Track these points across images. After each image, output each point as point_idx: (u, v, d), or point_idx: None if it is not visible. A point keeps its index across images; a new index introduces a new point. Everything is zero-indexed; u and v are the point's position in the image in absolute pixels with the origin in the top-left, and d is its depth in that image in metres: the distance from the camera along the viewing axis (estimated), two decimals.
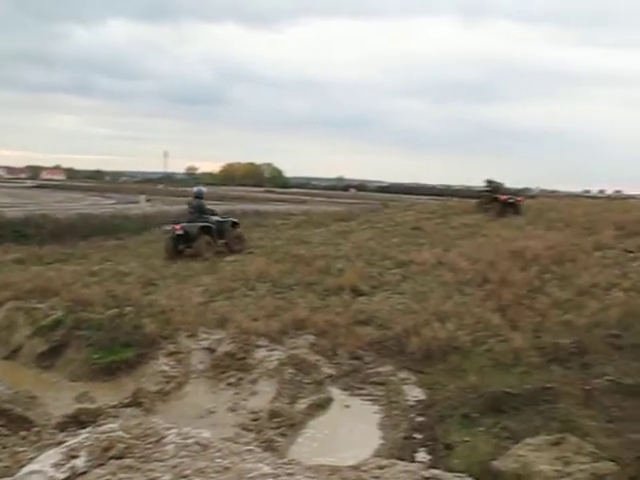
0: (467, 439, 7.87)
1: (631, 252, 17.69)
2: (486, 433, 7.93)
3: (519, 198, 27.25)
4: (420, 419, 8.69)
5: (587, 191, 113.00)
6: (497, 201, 26.15)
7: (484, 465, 6.99)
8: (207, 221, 19.36)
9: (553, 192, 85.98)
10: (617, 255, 17.36)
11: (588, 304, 12.72)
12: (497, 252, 16.92)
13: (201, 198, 20.06)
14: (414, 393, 9.54)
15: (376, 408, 9.24)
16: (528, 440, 7.28)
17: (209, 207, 20.51)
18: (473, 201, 29.43)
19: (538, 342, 10.78)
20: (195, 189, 20.97)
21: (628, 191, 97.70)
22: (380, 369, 10.36)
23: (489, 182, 27.81)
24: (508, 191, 27.72)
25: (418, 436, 8.25)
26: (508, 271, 14.65)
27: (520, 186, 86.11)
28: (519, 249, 16.83)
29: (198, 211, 19.53)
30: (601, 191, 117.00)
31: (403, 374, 10.18)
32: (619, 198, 54.11)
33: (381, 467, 4.67)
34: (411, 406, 9.09)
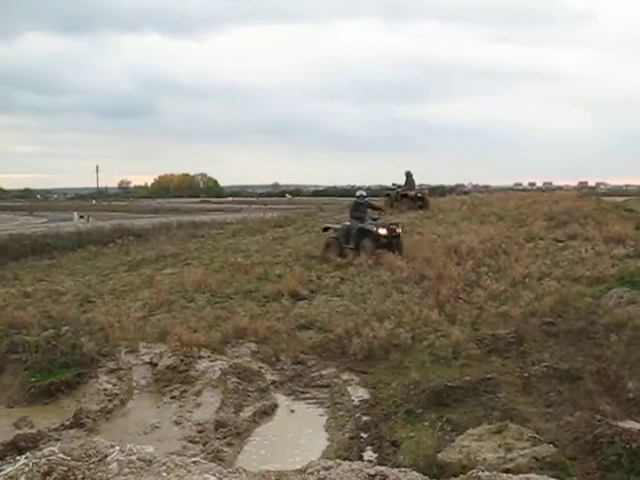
0: (412, 435, 7.98)
1: (561, 241, 18.24)
2: (430, 427, 8.05)
3: (425, 191, 30.25)
4: (365, 418, 8.76)
5: (518, 184, 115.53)
6: (407, 197, 28.13)
7: (430, 458, 7.09)
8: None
9: (485, 187, 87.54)
10: (548, 245, 17.89)
11: (523, 294, 13.06)
12: (433, 249, 17.22)
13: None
14: (358, 393, 9.62)
15: (321, 411, 9.26)
16: (471, 430, 7.44)
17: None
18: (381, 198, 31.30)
19: (477, 334, 11.02)
20: (358, 193, 19.90)
21: (557, 183, 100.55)
22: (323, 372, 10.40)
23: (396, 184, 30.05)
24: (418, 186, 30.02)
25: (364, 435, 8.31)
26: (444, 267, 14.92)
27: (452, 183, 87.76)
28: (454, 245, 17.17)
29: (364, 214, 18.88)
30: (531, 184, 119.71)
31: (346, 375, 10.25)
32: (549, 190, 55.43)
33: (327, 468, 4.69)
34: (356, 406, 9.15)
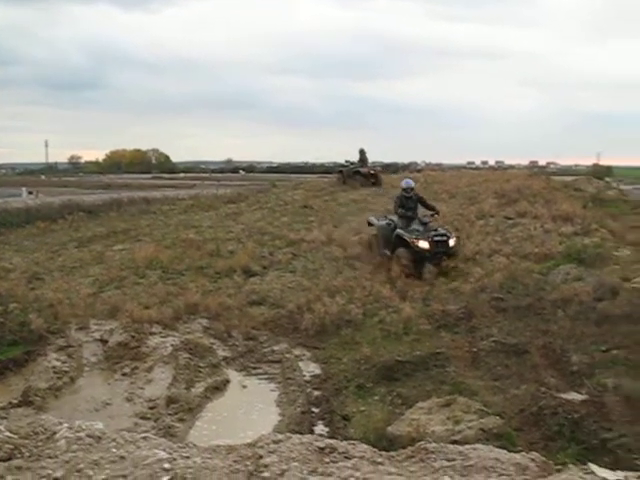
0: (363, 409, 8.07)
1: (511, 219, 18.56)
2: (381, 401, 8.16)
3: (378, 168, 30.94)
4: (317, 393, 8.81)
5: (471, 163, 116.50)
6: (360, 174, 28.59)
7: (380, 432, 7.18)
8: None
9: (438, 165, 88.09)
10: (498, 222, 18.18)
11: (473, 271, 13.25)
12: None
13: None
14: (310, 368, 9.67)
15: (273, 386, 9.29)
16: (420, 404, 7.55)
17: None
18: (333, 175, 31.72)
19: (427, 310, 11.16)
20: (404, 184, 15.21)
21: (509, 162, 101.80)
22: (275, 347, 10.43)
23: (349, 161, 30.43)
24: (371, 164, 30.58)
25: (315, 410, 8.35)
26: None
27: (406, 161, 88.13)
28: None
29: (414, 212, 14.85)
30: (484, 162, 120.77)
31: (298, 351, 10.30)
32: (501, 169, 56.12)
33: (277, 442, 4.71)
34: (307, 381, 9.20)
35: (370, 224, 15.83)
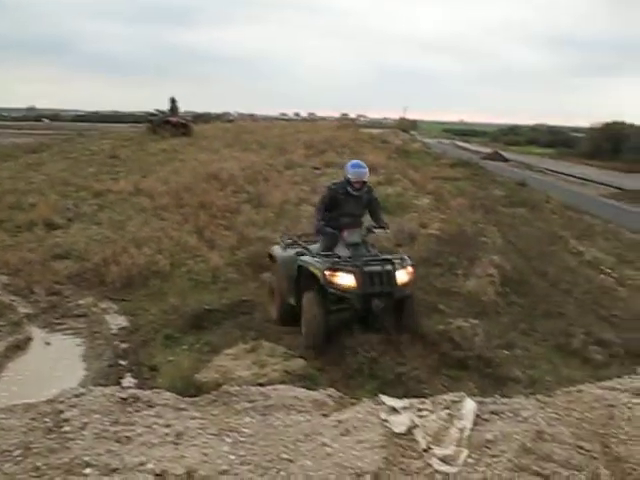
0: (171, 358, 8.07)
1: (318, 169, 19.07)
2: (189, 350, 8.20)
3: (188, 118, 30.96)
4: (124, 346, 8.69)
5: (284, 114, 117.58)
6: (169, 124, 28.41)
7: (187, 380, 7.24)
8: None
9: (251, 116, 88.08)
10: (306, 172, 18.59)
11: (281, 220, 13.53)
12: (194, 175, 17.21)
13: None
14: (117, 321, 9.50)
15: (79, 341, 9.04)
16: (227, 351, 7.69)
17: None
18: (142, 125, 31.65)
19: (235, 259, 11.28)
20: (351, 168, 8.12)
21: (321, 114, 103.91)
22: (80, 302, 10.13)
23: (159, 110, 30.10)
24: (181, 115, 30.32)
25: (123, 362, 8.26)
26: (205, 193, 15.02)
27: (219, 111, 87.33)
28: (215, 171, 17.27)
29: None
30: (296, 114, 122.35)
31: (104, 304, 10.07)
32: (312, 120, 57.17)
33: (78, 395, 4.65)
34: (114, 334, 9.04)
35: (271, 257, 9.18)
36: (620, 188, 28.21)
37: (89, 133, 34.31)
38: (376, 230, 8.44)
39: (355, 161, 8.32)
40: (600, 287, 11.17)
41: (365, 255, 7.93)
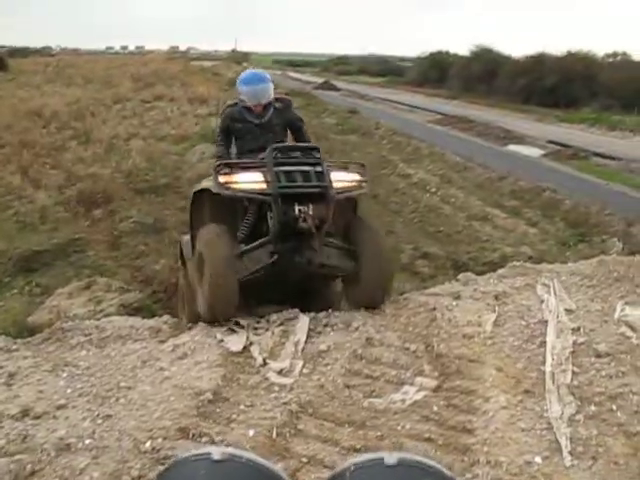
0: (1, 304, 7.76)
1: (148, 102, 18.58)
2: (19, 294, 7.90)
3: (3, 51, 30.80)
4: None
5: (110, 48, 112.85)
6: None
7: (20, 324, 7.01)
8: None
9: (75, 50, 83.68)
10: (135, 106, 18.07)
11: (111, 155, 13.14)
12: (14, 113, 16.25)
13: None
14: None
15: None
16: (60, 290, 7.49)
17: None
18: None
19: (64, 198, 10.88)
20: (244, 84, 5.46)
21: (149, 47, 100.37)
22: None
23: None
24: None
25: None
26: (27, 132, 14.25)
27: (39, 45, 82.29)
28: (37, 108, 16.42)
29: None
30: (124, 47, 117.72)
31: None
32: (140, 54, 55.25)
33: None
34: None
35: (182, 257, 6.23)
36: (443, 114, 29.50)
37: None
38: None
39: (249, 72, 5.95)
40: (426, 206, 11.78)
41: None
